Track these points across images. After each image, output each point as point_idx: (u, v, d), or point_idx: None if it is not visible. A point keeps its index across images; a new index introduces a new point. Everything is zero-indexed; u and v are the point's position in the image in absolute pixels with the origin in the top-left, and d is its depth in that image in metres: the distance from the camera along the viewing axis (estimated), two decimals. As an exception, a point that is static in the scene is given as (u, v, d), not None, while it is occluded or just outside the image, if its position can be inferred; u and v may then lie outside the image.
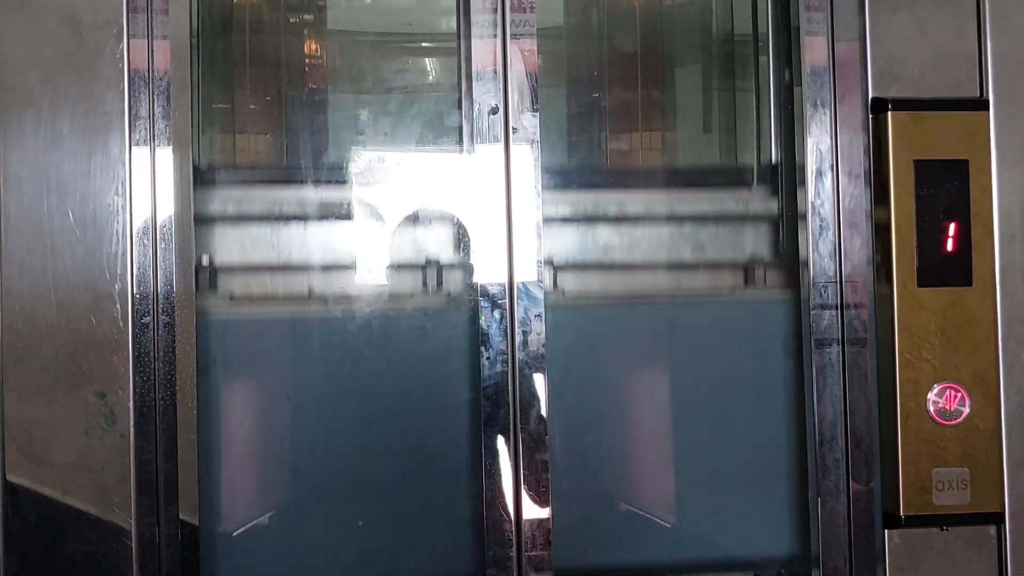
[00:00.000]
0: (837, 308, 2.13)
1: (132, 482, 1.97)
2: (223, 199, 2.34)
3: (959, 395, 2.12)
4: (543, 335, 2.11)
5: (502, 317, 2.11)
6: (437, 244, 2.34)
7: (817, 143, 2.14)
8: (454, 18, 2.20)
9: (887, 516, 2.13)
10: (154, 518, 1.97)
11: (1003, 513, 2.14)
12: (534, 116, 2.13)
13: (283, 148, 2.45)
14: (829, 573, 2.11)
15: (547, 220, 2.19)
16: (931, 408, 2.12)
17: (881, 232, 2.14)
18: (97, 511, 1.96)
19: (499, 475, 2.10)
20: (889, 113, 2.13)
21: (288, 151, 2.46)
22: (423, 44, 2.58)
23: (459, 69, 2.20)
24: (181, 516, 1.98)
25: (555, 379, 2.16)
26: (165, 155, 2.01)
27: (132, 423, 1.97)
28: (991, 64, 2.16)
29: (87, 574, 1.97)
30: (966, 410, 2.13)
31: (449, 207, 2.31)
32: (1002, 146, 2.15)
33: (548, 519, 2.10)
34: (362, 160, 2.35)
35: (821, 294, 2.13)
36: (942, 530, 2.13)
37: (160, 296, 1.99)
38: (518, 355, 2.11)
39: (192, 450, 2.00)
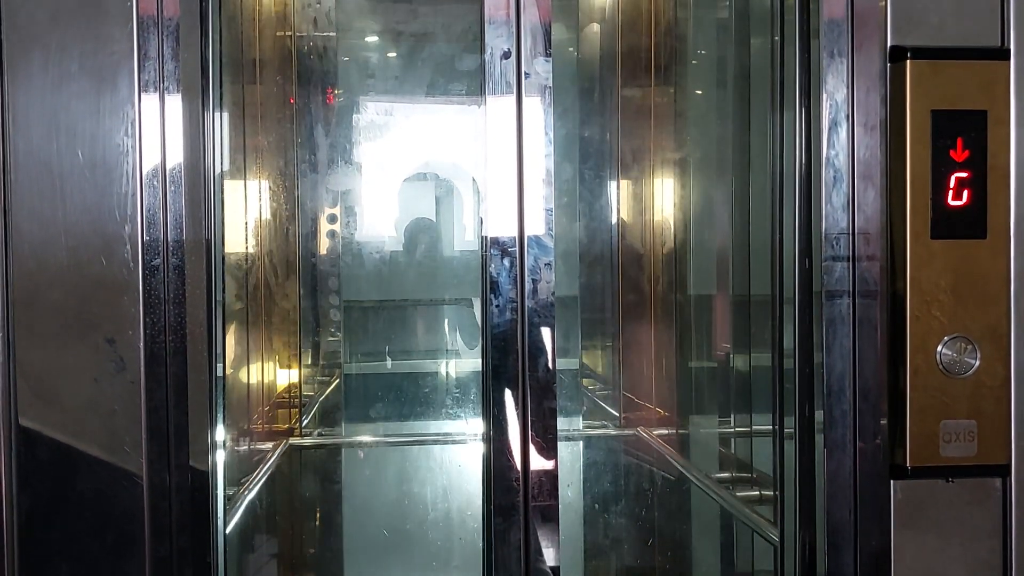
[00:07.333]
0: (849, 260, 2.11)
1: (143, 427, 1.98)
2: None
3: (969, 347, 2.12)
4: (552, 283, 2.10)
5: (511, 265, 2.10)
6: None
7: (833, 93, 2.10)
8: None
9: (893, 467, 2.13)
10: (165, 463, 1.99)
11: (1009, 465, 2.15)
12: (547, 61, 2.10)
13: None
14: (834, 525, 2.12)
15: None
16: (940, 360, 2.11)
17: (896, 184, 2.12)
18: (108, 455, 1.98)
19: (506, 423, 2.11)
20: (908, 61, 2.09)
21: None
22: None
23: (480, 14, 2.16)
24: (191, 463, 2.00)
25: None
26: (175, 96, 1.99)
27: (142, 366, 1.98)
28: (1013, 13, 2.12)
29: (98, 514, 1.99)
30: (976, 363, 2.12)
31: (459, 150, 2.29)
32: (1022, 97, 2.12)
33: (554, 468, 2.11)
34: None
35: (833, 246, 2.11)
36: (948, 482, 2.14)
37: (170, 240, 1.99)
38: (527, 303, 2.10)
39: (203, 395, 2.01)
